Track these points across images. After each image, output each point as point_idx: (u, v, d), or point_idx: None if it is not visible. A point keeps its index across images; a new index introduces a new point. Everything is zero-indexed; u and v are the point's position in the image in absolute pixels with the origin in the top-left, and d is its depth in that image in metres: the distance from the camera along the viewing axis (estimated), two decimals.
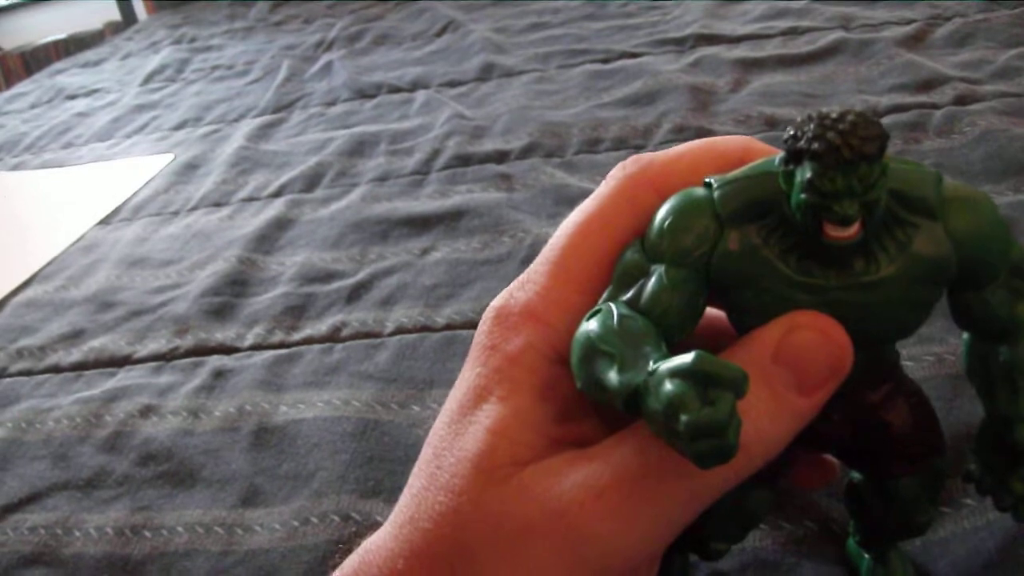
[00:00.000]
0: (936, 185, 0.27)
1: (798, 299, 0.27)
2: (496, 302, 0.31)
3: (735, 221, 0.27)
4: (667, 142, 0.82)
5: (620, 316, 0.27)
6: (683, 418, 0.22)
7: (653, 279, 0.27)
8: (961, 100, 0.77)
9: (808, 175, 0.24)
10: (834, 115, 0.24)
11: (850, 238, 0.25)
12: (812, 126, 0.24)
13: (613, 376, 0.25)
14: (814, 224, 0.25)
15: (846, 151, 0.24)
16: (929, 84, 0.82)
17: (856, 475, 0.33)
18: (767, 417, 0.26)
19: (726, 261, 0.27)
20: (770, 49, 0.99)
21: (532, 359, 0.29)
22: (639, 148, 0.82)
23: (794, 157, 0.25)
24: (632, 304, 0.27)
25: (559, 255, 0.30)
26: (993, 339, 0.29)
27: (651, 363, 0.24)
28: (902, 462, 0.31)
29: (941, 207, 0.27)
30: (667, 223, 0.28)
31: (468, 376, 0.30)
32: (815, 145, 0.24)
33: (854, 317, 0.26)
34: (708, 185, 0.28)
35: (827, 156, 0.24)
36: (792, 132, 0.25)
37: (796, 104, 0.83)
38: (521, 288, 0.31)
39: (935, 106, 0.77)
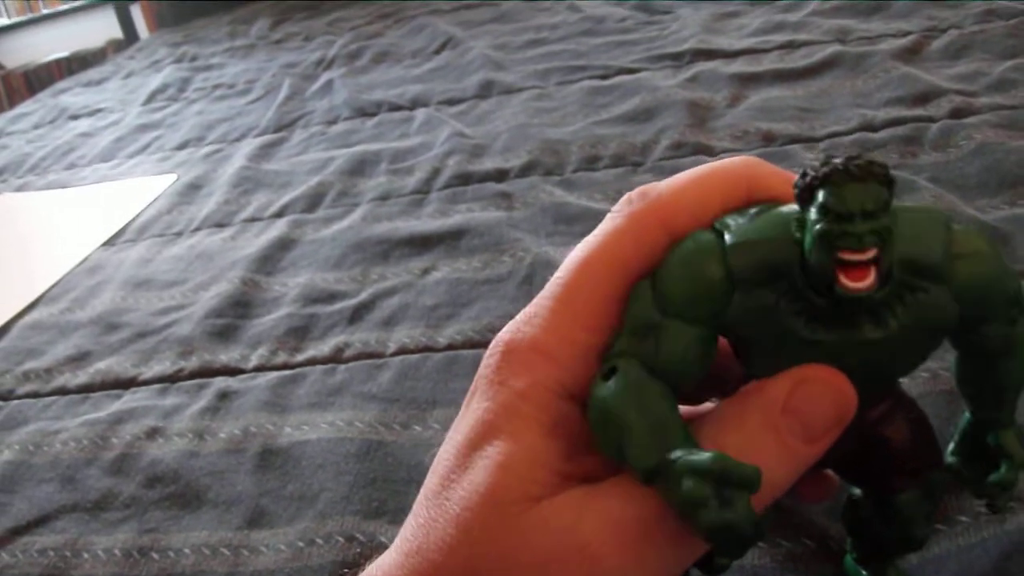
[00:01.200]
0: (944, 242, 0.27)
1: (806, 354, 0.27)
2: (504, 336, 0.31)
3: (747, 282, 0.28)
4: (665, 159, 0.82)
5: (637, 384, 0.28)
6: (702, 518, 0.25)
7: (667, 336, 0.28)
8: (957, 113, 0.78)
9: (821, 200, 0.25)
10: (842, 157, 0.25)
11: (865, 290, 0.25)
12: (820, 162, 0.26)
13: (631, 452, 0.27)
14: (829, 267, 0.25)
15: (855, 170, 0.25)
16: (925, 97, 0.82)
17: (855, 491, 0.34)
18: (775, 464, 0.27)
19: (738, 318, 0.28)
20: (767, 63, 0.99)
21: (540, 396, 0.29)
22: (637, 165, 0.83)
23: (807, 193, 0.26)
24: (647, 360, 0.28)
25: (564, 290, 0.31)
26: (986, 357, 0.30)
27: (668, 447, 0.26)
28: (901, 477, 0.31)
29: (948, 267, 0.27)
30: (680, 280, 0.28)
31: (476, 409, 0.30)
32: (824, 170, 0.25)
33: (859, 369, 0.27)
34: (719, 234, 0.28)
35: (837, 176, 0.25)
36: (801, 173, 0.26)
37: (793, 119, 0.84)
38: (528, 323, 0.31)
39: (931, 119, 0.78)
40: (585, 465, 0.29)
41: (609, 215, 0.31)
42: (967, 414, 0.32)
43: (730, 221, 0.28)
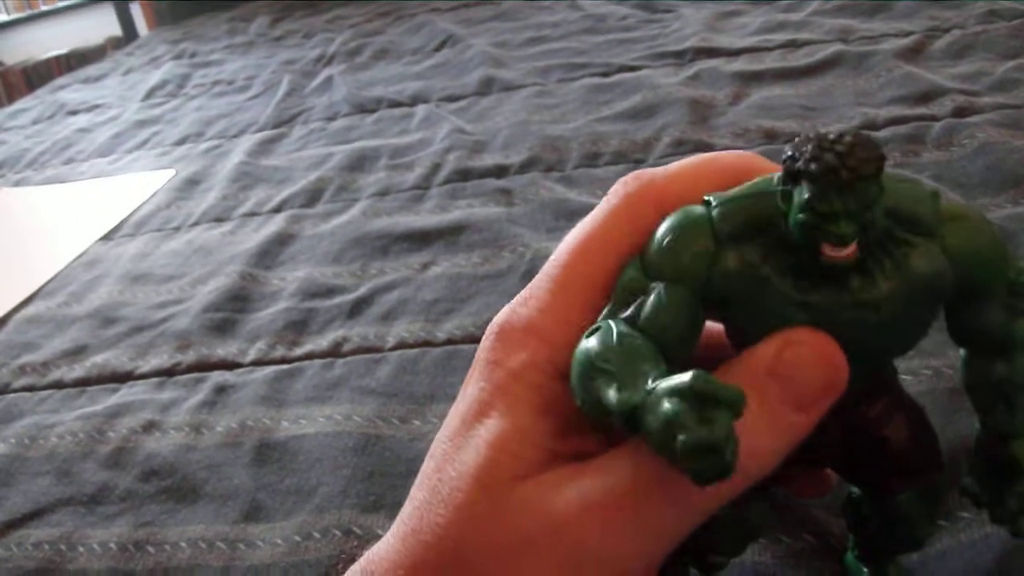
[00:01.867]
0: (933, 203, 0.27)
1: (795, 317, 0.27)
2: (499, 318, 0.31)
3: (733, 240, 0.27)
4: (666, 156, 0.82)
5: (619, 334, 0.27)
6: (680, 438, 0.23)
7: (652, 297, 0.28)
8: (960, 112, 0.78)
9: (806, 196, 0.25)
10: (832, 136, 0.25)
11: (847, 258, 0.25)
12: (810, 147, 0.25)
13: (612, 394, 0.25)
14: (812, 244, 0.25)
15: (844, 172, 0.24)
16: (928, 96, 0.82)
17: (855, 489, 0.34)
18: (762, 432, 0.26)
19: (724, 279, 0.27)
20: (769, 62, 0.99)
21: (534, 375, 0.29)
22: (638, 162, 0.83)
23: (792, 177, 0.25)
24: (631, 322, 0.27)
25: (560, 272, 0.31)
26: (989, 354, 0.29)
27: (650, 382, 0.25)
28: (900, 477, 0.31)
29: (938, 225, 0.27)
30: (666, 241, 0.28)
31: (471, 391, 0.31)
32: (813, 166, 0.24)
33: (851, 335, 0.27)
34: (707, 203, 0.28)
35: (825, 177, 0.24)
36: (790, 153, 0.25)
37: (795, 117, 0.84)
38: (523, 304, 0.31)
39: (934, 118, 0.78)
40: (577, 444, 0.29)
41: (604, 199, 0.31)
42: (979, 429, 0.31)
43: (717, 193, 0.28)
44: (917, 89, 0.83)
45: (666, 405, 0.23)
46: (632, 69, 1.07)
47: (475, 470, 0.28)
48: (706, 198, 0.28)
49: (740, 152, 0.31)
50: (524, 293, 0.32)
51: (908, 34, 0.98)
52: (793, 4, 1.17)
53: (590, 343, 0.27)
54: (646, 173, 0.31)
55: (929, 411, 0.31)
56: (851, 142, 0.24)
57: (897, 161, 0.72)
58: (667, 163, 0.79)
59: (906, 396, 0.31)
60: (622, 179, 0.31)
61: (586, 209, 0.73)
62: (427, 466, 0.31)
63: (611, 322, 0.28)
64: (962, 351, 0.31)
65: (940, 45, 0.94)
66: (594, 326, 0.28)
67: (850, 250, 0.25)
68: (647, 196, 0.30)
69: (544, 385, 0.29)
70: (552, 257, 0.32)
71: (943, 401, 0.46)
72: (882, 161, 0.25)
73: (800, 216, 0.25)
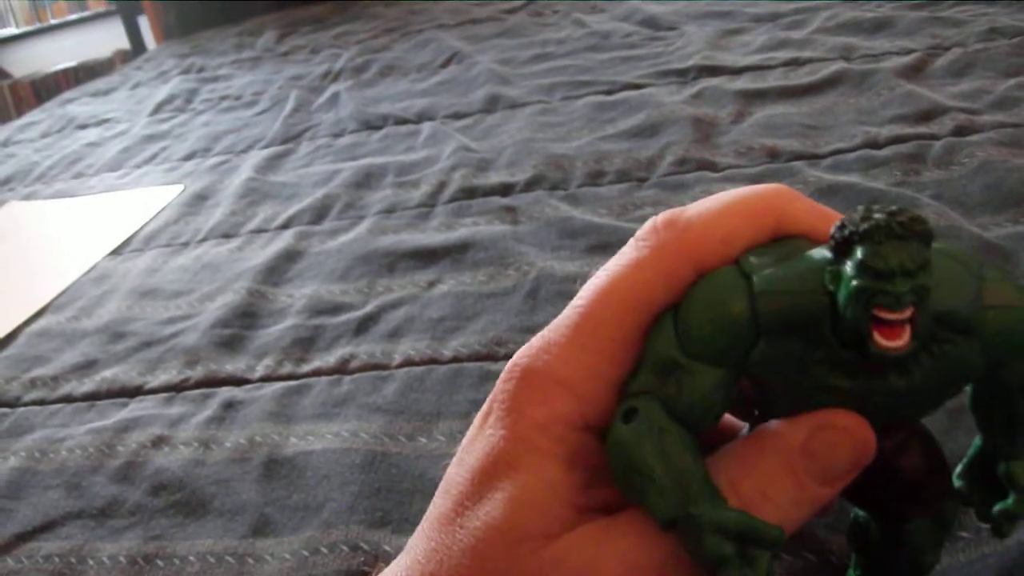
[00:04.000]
0: (975, 294, 0.27)
1: (828, 399, 0.28)
2: (521, 360, 0.30)
3: (774, 334, 0.27)
4: (670, 175, 0.83)
5: (660, 431, 0.27)
6: (724, 575, 0.25)
7: (689, 378, 0.28)
8: (960, 131, 0.78)
9: (860, 256, 0.25)
10: (878, 206, 0.25)
11: (901, 349, 0.25)
12: (859, 214, 0.25)
13: (652, 500, 0.27)
14: (864, 321, 0.25)
15: (897, 227, 0.24)
16: (929, 115, 0.82)
17: (861, 514, 0.34)
18: (790, 505, 0.28)
19: (761, 364, 0.28)
20: (772, 80, 0.99)
21: (559, 429, 0.29)
22: (642, 181, 0.83)
23: (843, 246, 0.25)
24: (668, 402, 0.28)
25: (587, 321, 0.30)
26: (1004, 393, 0.29)
27: (690, 499, 0.26)
28: (913, 505, 0.31)
29: (978, 320, 0.27)
30: (705, 322, 0.28)
31: (491, 436, 0.30)
32: (864, 226, 0.25)
33: (879, 413, 0.28)
34: (747, 275, 0.28)
35: (878, 232, 0.24)
36: (839, 224, 0.25)
37: (797, 136, 0.84)
38: (547, 350, 0.30)
39: (934, 137, 0.78)
40: (602, 496, 0.29)
41: (633, 241, 0.30)
42: (977, 440, 0.32)
43: (756, 260, 0.28)
44: (918, 107, 0.84)
45: (711, 541, 0.26)
46: (636, 87, 1.08)
47: (502, 524, 0.28)
48: (743, 266, 0.28)
49: (774, 188, 0.30)
50: (545, 336, 0.31)
51: (909, 52, 0.99)
52: (796, 22, 1.18)
53: (628, 435, 0.28)
54: (680, 219, 0.30)
55: (930, 427, 0.32)
56: (899, 207, 0.25)
57: (898, 180, 0.72)
58: (670, 182, 0.80)
59: (920, 426, 0.31)
60: (652, 222, 0.30)
61: (590, 227, 0.74)
62: (443, 505, 0.30)
63: (647, 410, 0.28)
64: None
65: (941, 63, 0.94)
66: (629, 404, 0.28)
67: (904, 340, 0.25)
68: (679, 247, 0.29)
69: (569, 438, 0.29)
70: (576, 300, 0.31)
71: (943, 420, 0.46)
72: (929, 226, 0.25)
73: (853, 284, 0.25)
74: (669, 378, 0.28)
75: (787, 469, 0.27)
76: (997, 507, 0.30)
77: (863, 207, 0.25)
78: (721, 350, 0.28)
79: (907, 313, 0.25)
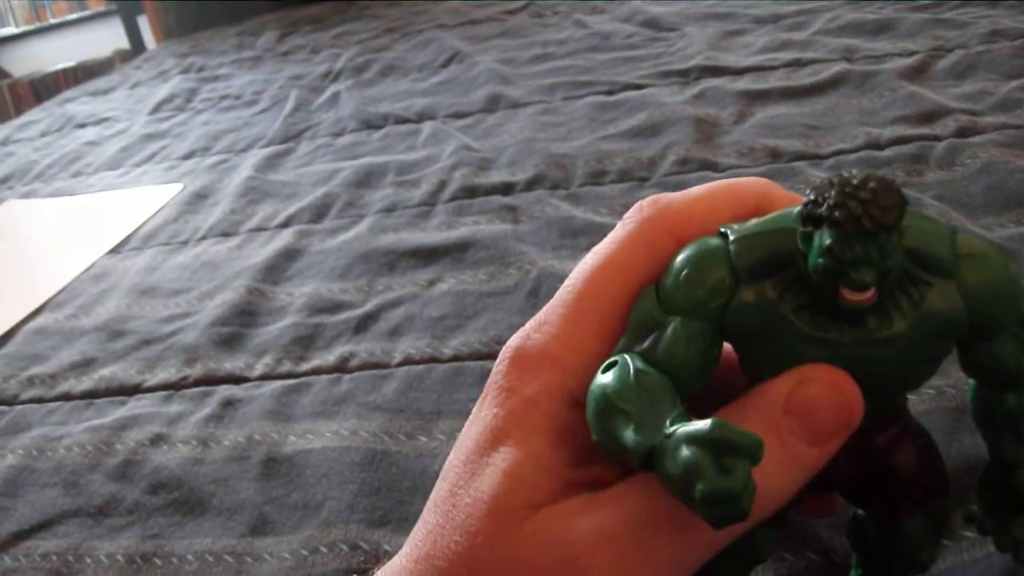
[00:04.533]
0: (950, 242, 0.27)
1: (811, 353, 0.27)
2: (513, 342, 0.31)
3: (751, 276, 0.27)
4: (671, 175, 0.83)
5: (636, 371, 0.27)
6: (699, 486, 0.23)
7: (668, 331, 0.28)
8: (963, 132, 0.78)
9: (827, 241, 0.25)
10: (855, 181, 0.25)
11: (866, 302, 0.25)
12: (834, 192, 0.25)
13: (629, 435, 0.26)
14: (830, 287, 0.25)
15: (867, 221, 0.24)
16: (931, 116, 0.82)
17: (860, 512, 0.34)
18: (777, 467, 0.27)
19: (741, 314, 0.28)
20: (773, 81, 0.99)
21: (549, 403, 0.29)
22: (643, 180, 0.83)
23: (813, 221, 0.26)
24: (648, 356, 0.28)
25: (576, 298, 0.31)
26: (999, 387, 0.30)
27: (667, 424, 0.25)
28: (908, 503, 0.31)
29: (954, 265, 0.27)
30: (683, 275, 0.28)
31: (485, 415, 0.31)
32: (836, 213, 0.25)
33: (865, 371, 0.27)
34: (724, 236, 0.28)
35: (848, 225, 0.24)
36: (813, 196, 0.26)
37: (799, 136, 0.84)
38: (538, 330, 0.31)
39: (937, 138, 0.78)
40: (592, 473, 0.29)
41: (620, 223, 0.31)
42: (988, 459, 0.31)
43: (734, 225, 0.29)
44: (920, 109, 0.84)
45: (685, 452, 0.24)
46: (637, 87, 1.07)
47: (490, 498, 0.28)
48: (722, 230, 0.29)
49: (756, 179, 0.31)
50: (538, 318, 0.31)
51: (912, 53, 0.98)
52: (798, 23, 1.18)
53: (607, 379, 0.27)
54: (663, 198, 0.31)
55: (932, 430, 0.32)
56: (874, 188, 0.25)
57: (901, 181, 0.72)
58: (671, 182, 0.80)
59: (915, 423, 0.31)
60: (638, 204, 0.31)
61: (591, 227, 0.74)
62: (440, 489, 0.31)
63: (627, 357, 0.28)
64: (971, 382, 0.31)
65: (944, 65, 0.94)
66: (610, 360, 0.28)
67: (869, 295, 0.25)
68: (664, 223, 0.30)
69: (559, 412, 0.29)
70: (566, 282, 0.32)
71: (945, 421, 0.46)
72: (903, 208, 0.25)
73: (820, 261, 0.25)
74: (648, 336, 0.28)
75: (770, 428, 0.27)
76: (1015, 527, 0.30)
77: (839, 182, 0.25)
78: (698, 302, 0.28)
79: (869, 294, 0.25)
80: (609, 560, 0.27)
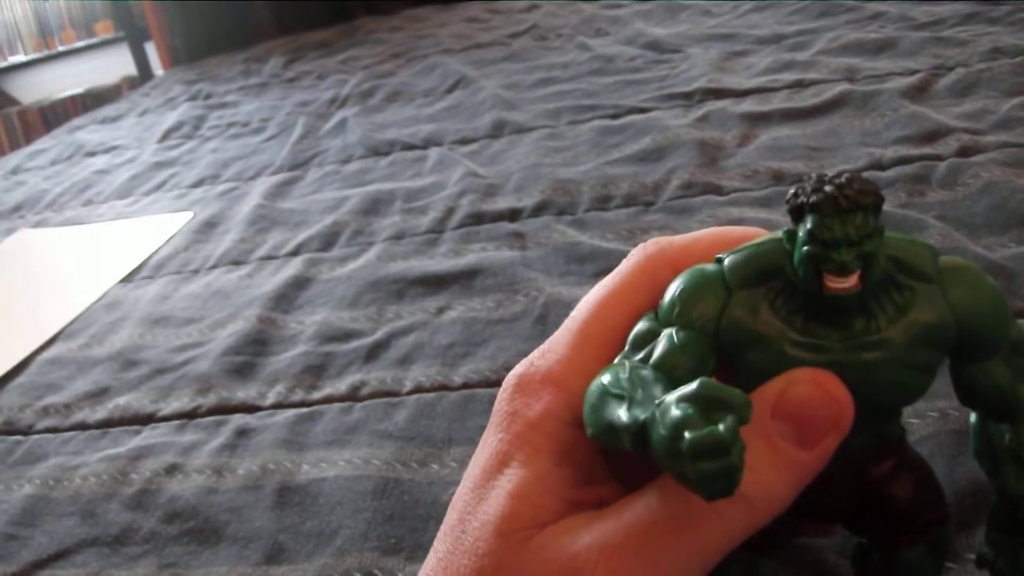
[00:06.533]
0: (932, 256, 0.28)
1: (801, 359, 0.28)
2: (517, 370, 0.32)
3: (742, 286, 0.29)
4: (676, 199, 0.83)
5: (631, 366, 0.28)
6: (687, 435, 0.23)
7: (663, 340, 0.29)
8: (964, 152, 0.78)
9: (809, 226, 0.26)
10: (831, 174, 0.27)
11: (849, 289, 0.26)
12: (811, 184, 0.26)
13: (622, 414, 0.26)
14: (815, 277, 0.26)
15: (842, 200, 0.26)
16: (932, 136, 0.83)
17: (864, 540, 0.34)
18: (769, 471, 0.27)
19: (733, 324, 0.28)
20: (776, 103, 1.00)
21: (552, 425, 0.30)
22: (648, 205, 0.84)
23: (796, 213, 0.27)
24: (643, 362, 0.29)
25: (579, 326, 0.32)
26: (997, 417, 0.30)
27: (658, 397, 0.26)
28: (907, 533, 0.31)
29: (938, 275, 0.28)
30: (678, 291, 0.29)
31: (490, 442, 0.31)
32: (814, 198, 0.26)
33: (856, 378, 0.27)
34: (719, 260, 0.30)
35: (825, 205, 0.26)
36: (793, 191, 0.27)
37: (803, 158, 0.85)
38: (542, 357, 0.32)
39: (939, 158, 0.78)
40: (597, 493, 0.30)
41: (624, 260, 0.33)
42: (995, 500, 0.31)
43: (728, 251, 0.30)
44: (922, 128, 0.84)
45: (674, 411, 0.24)
46: (641, 111, 1.08)
47: (496, 519, 0.29)
48: (717, 256, 0.30)
49: (753, 228, 0.33)
50: (543, 347, 0.33)
51: (913, 72, 0.99)
52: (799, 43, 1.18)
53: (602, 376, 0.28)
54: (664, 239, 0.33)
55: (935, 453, 0.32)
56: (849, 177, 0.26)
57: (903, 201, 0.73)
58: (676, 206, 0.81)
59: (913, 454, 0.32)
60: (642, 244, 0.33)
61: (598, 252, 0.75)
62: (449, 518, 0.31)
63: (624, 359, 0.29)
64: (972, 419, 0.31)
65: (945, 83, 0.94)
66: (607, 367, 0.29)
67: (851, 281, 0.26)
68: (664, 257, 0.32)
69: (562, 433, 0.30)
70: (572, 313, 0.33)
71: (949, 443, 0.46)
72: (879, 196, 0.26)
73: (803, 248, 0.26)
74: (644, 347, 0.29)
75: (759, 433, 0.27)
76: None
77: (815, 175, 0.27)
78: (692, 313, 0.29)
79: (853, 278, 0.26)
80: (611, 571, 0.27)
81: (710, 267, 0.30)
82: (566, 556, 0.28)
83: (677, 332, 0.29)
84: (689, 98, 1.08)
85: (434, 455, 0.57)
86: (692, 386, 0.25)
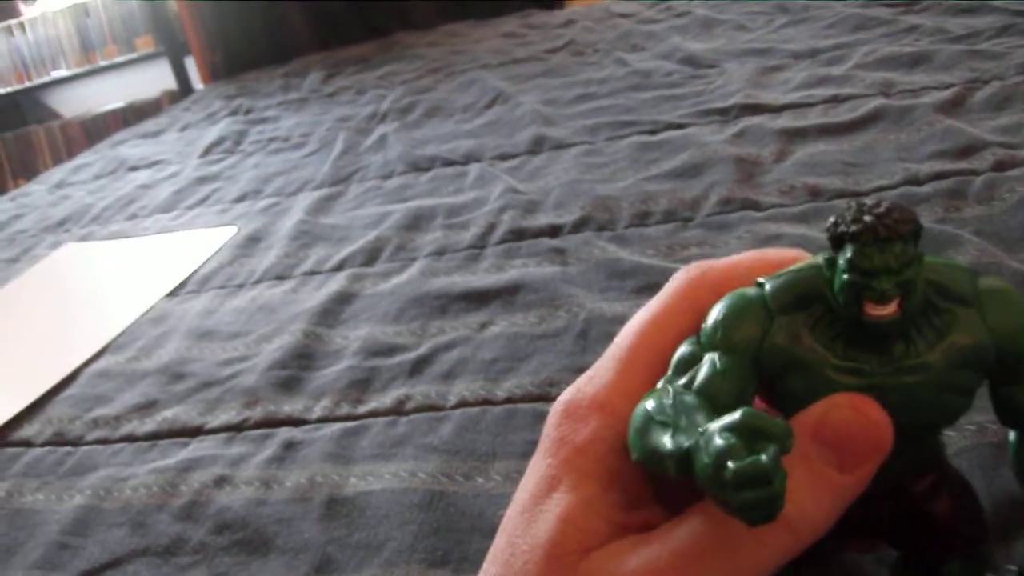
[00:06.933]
0: (971, 279, 0.29)
1: (841, 383, 0.28)
2: (564, 396, 0.33)
3: (783, 312, 0.29)
4: (714, 215, 0.84)
5: (675, 392, 0.29)
6: (730, 465, 0.24)
7: (706, 365, 0.29)
8: (1000, 166, 0.78)
9: (849, 255, 0.27)
10: (870, 202, 0.27)
11: (889, 316, 0.27)
12: (851, 213, 0.27)
13: (667, 441, 0.27)
14: (855, 305, 0.27)
15: (882, 230, 0.26)
16: (968, 150, 0.83)
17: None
18: (809, 496, 0.28)
19: (774, 349, 0.29)
20: (812, 118, 1.00)
21: (599, 449, 0.31)
22: (687, 221, 0.84)
23: (836, 242, 0.27)
24: (686, 387, 0.29)
25: (624, 352, 0.33)
26: None
27: (702, 425, 0.27)
28: (947, 549, 0.32)
29: (977, 298, 0.29)
30: (721, 316, 0.30)
31: (539, 467, 0.32)
32: (854, 227, 0.27)
33: (896, 402, 0.28)
34: (759, 284, 0.30)
35: (865, 234, 0.26)
36: (833, 220, 0.28)
37: (839, 173, 0.85)
38: (589, 383, 0.33)
39: (975, 172, 0.78)
40: (643, 517, 0.31)
41: (667, 283, 0.34)
42: None
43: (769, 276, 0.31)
44: (958, 143, 0.84)
45: (717, 440, 0.25)
46: (679, 127, 1.09)
47: (546, 543, 0.30)
48: (758, 280, 0.30)
49: (792, 250, 0.33)
50: (589, 372, 0.33)
51: (948, 86, 0.99)
52: (835, 58, 1.19)
53: (647, 402, 0.29)
54: (706, 263, 0.33)
55: (973, 466, 0.33)
56: (888, 206, 0.27)
57: (939, 216, 0.73)
58: (715, 221, 0.81)
59: (953, 471, 0.32)
60: (685, 267, 0.34)
61: (638, 268, 0.75)
62: (499, 541, 0.32)
63: (667, 385, 0.30)
64: (1012, 438, 0.32)
65: (980, 97, 0.94)
66: (651, 391, 0.30)
67: (891, 308, 0.27)
68: (706, 280, 0.33)
69: (610, 458, 0.31)
70: (617, 339, 0.33)
71: (987, 456, 0.46)
72: (918, 224, 0.27)
73: (844, 277, 0.27)
74: (687, 371, 0.30)
75: (800, 457, 0.27)
76: None
77: (855, 204, 0.27)
78: (733, 337, 0.29)
79: (892, 306, 0.27)
80: None
81: (751, 292, 0.30)
82: None
83: (720, 357, 0.29)
84: (726, 114, 1.09)
85: (479, 468, 0.58)
86: (735, 415, 0.25)
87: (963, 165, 0.81)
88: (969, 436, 0.49)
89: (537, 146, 1.15)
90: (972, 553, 0.32)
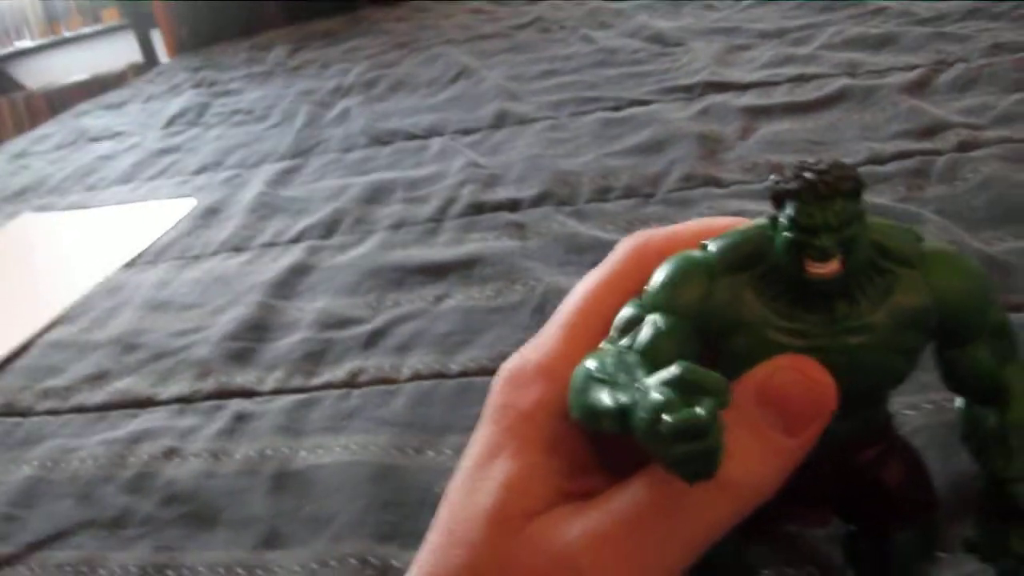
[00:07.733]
0: (915, 241, 0.28)
1: (784, 344, 0.28)
2: (508, 363, 0.33)
3: (727, 271, 0.29)
4: (675, 191, 0.84)
5: (616, 352, 0.28)
6: (666, 418, 0.24)
7: (648, 325, 0.29)
8: (964, 147, 0.78)
9: (789, 212, 0.26)
10: (812, 161, 0.27)
11: (830, 274, 0.26)
12: (792, 170, 0.27)
13: (605, 397, 0.26)
14: (797, 263, 0.27)
15: (822, 187, 0.26)
16: (932, 130, 0.83)
17: (853, 527, 0.35)
18: (755, 459, 0.27)
19: (717, 309, 0.28)
20: (777, 96, 1.00)
21: (543, 416, 0.30)
22: (648, 197, 0.84)
23: (777, 199, 0.27)
24: (628, 348, 0.29)
25: (568, 317, 0.32)
26: (982, 401, 0.30)
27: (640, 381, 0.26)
28: (896, 519, 0.31)
29: (920, 259, 0.28)
30: (664, 277, 0.29)
31: (483, 434, 0.32)
32: (794, 184, 0.26)
33: (839, 363, 0.27)
34: (704, 247, 0.30)
35: (805, 192, 0.26)
36: (775, 179, 0.27)
37: (802, 152, 0.85)
38: (534, 350, 0.32)
39: (938, 152, 0.79)
40: (587, 483, 0.30)
41: (612, 251, 0.33)
42: (984, 487, 0.31)
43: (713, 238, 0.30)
44: (922, 123, 0.84)
45: (654, 394, 0.24)
46: (643, 103, 1.08)
47: (487, 510, 0.29)
48: (703, 242, 0.30)
49: (740, 219, 0.32)
50: (534, 340, 0.33)
51: (914, 67, 0.99)
52: (801, 38, 1.18)
53: (587, 361, 0.28)
54: (651, 230, 0.33)
55: (929, 444, 0.32)
56: (829, 163, 0.26)
57: (902, 195, 0.73)
58: (676, 198, 0.81)
59: (901, 440, 0.32)
60: (629, 235, 0.33)
61: (597, 243, 0.75)
62: (442, 509, 0.31)
63: (609, 344, 0.29)
64: (958, 404, 0.31)
65: (945, 79, 0.94)
66: (592, 352, 0.29)
67: (833, 267, 0.26)
68: (652, 247, 0.32)
69: (553, 424, 0.30)
70: (561, 306, 0.33)
71: (943, 434, 0.46)
72: (859, 182, 0.26)
73: (784, 235, 0.26)
74: (629, 332, 0.29)
75: (744, 420, 0.27)
76: (1015, 543, 0.30)
77: (797, 163, 0.27)
78: (676, 299, 0.29)
79: (833, 264, 0.26)
80: (602, 560, 0.28)
81: (696, 253, 0.30)
82: (557, 545, 0.28)
83: (662, 317, 0.29)
84: (690, 91, 1.08)
85: (430, 442, 0.57)
86: (672, 370, 0.25)
87: (927, 145, 0.81)
88: (926, 414, 0.49)
89: (500, 121, 1.15)
90: (922, 523, 0.32)
